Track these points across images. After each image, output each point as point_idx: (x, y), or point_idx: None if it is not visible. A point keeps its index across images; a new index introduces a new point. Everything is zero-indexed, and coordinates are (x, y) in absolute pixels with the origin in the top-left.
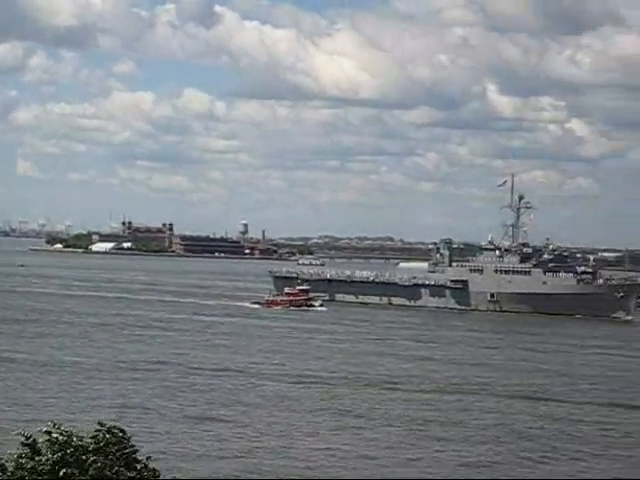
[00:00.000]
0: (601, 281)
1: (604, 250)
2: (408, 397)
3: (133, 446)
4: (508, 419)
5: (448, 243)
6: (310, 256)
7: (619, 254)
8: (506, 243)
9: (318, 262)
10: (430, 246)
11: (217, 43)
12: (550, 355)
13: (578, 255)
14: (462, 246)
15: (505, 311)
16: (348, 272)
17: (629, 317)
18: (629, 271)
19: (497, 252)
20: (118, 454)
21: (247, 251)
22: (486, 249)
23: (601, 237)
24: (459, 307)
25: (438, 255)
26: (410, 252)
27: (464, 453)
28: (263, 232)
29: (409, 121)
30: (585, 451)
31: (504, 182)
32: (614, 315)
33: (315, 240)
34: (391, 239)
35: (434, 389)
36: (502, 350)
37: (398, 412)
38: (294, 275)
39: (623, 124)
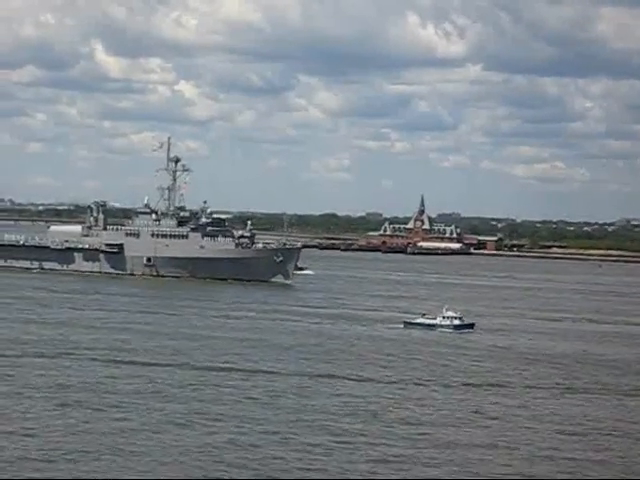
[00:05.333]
0: (260, 245)
1: (216, 212)
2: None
3: None
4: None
5: (102, 206)
6: None
7: (230, 215)
8: (163, 207)
9: None
10: (40, 207)
11: None
12: (188, 319)
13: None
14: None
15: (162, 275)
16: None
17: (288, 281)
18: (288, 236)
19: (153, 216)
20: None
21: None
22: (142, 213)
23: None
24: (114, 271)
25: (92, 218)
26: (20, 213)
27: None
28: None
29: (16, 81)
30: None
31: (161, 145)
32: (273, 279)
33: None
34: (1, 200)
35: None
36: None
37: None
38: None
39: (229, 87)
